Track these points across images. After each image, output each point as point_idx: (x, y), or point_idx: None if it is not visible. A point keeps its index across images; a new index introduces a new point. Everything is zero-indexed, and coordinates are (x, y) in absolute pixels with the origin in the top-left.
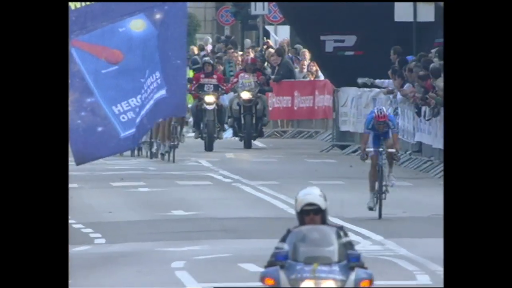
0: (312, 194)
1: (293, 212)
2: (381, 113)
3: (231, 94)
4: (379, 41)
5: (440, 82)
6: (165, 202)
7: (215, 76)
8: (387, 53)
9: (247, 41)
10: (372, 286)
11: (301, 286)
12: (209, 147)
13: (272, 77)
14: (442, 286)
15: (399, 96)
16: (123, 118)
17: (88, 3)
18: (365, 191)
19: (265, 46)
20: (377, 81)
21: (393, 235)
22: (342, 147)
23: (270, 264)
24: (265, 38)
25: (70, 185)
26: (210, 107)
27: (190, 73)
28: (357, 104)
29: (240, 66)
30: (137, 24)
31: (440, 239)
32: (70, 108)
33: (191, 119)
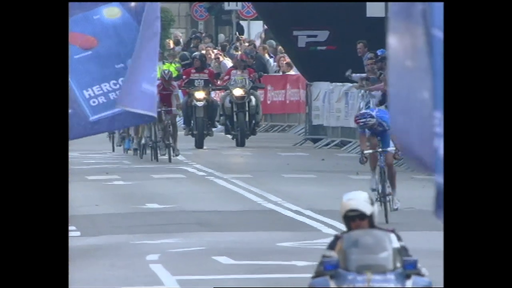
0: (356, 199)
1: (266, 205)
2: (359, 119)
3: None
4: (351, 36)
5: None
6: (140, 195)
7: (206, 71)
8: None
9: (221, 36)
10: None
11: None
12: (199, 144)
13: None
14: (442, 286)
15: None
16: (94, 102)
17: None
18: (337, 184)
19: (241, 40)
20: (354, 75)
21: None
22: (315, 141)
23: (318, 274)
24: (237, 33)
25: None
26: (200, 104)
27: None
28: (330, 99)
29: (213, 60)
30: (113, 12)
31: (413, 232)
32: None
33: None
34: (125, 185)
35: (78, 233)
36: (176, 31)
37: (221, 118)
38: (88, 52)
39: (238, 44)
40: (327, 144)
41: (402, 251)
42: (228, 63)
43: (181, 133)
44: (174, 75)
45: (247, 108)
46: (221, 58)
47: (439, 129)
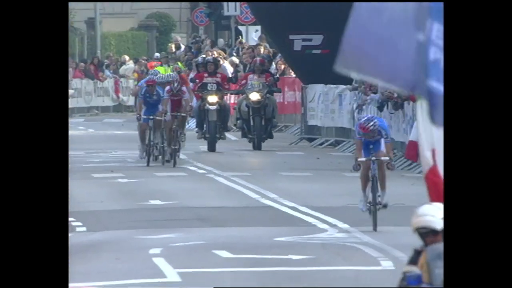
0: (426, 215)
1: (264, 201)
2: (366, 124)
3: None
4: None
5: None
6: (143, 192)
7: (218, 75)
8: None
9: (220, 41)
10: None
11: None
12: (211, 148)
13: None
14: (442, 286)
15: (376, 96)
16: None
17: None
18: (331, 182)
19: (243, 44)
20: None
21: (359, 223)
22: (310, 140)
23: None
24: (240, 36)
25: None
26: (213, 107)
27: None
28: (324, 100)
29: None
30: None
31: (403, 227)
32: None
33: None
34: (129, 182)
35: (84, 229)
36: (177, 35)
37: (238, 122)
38: None
39: (240, 47)
40: (321, 144)
41: None
42: (228, 66)
43: (190, 133)
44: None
45: (263, 112)
46: (221, 61)
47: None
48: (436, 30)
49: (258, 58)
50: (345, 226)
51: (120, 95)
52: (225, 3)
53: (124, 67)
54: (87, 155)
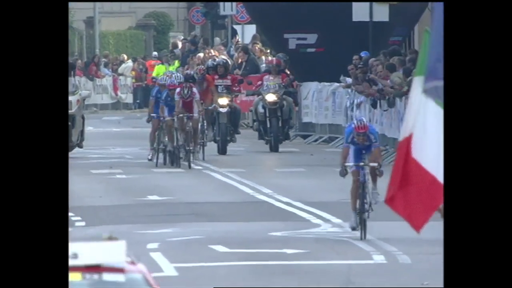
0: None
1: (259, 196)
2: (361, 123)
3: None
4: (338, 39)
5: (394, 77)
6: (141, 188)
7: (229, 77)
8: (346, 49)
9: (217, 39)
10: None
11: None
12: (222, 151)
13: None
14: (442, 286)
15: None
16: None
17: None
18: (325, 177)
19: (238, 42)
20: (347, 79)
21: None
22: (304, 137)
23: None
24: (237, 36)
25: None
26: (223, 110)
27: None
28: (318, 98)
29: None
30: None
31: (394, 222)
32: None
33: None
34: (127, 178)
35: (83, 223)
36: (177, 34)
37: (254, 123)
38: None
39: (235, 43)
40: (316, 140)
41: None
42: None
43: None
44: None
45: (279, 114)
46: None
47: None
48: None
49: (274, 59)
50: (338, 221)
51: (119, 93)
52: (221, 3)
53: (122, 65)
54: (86, 152)
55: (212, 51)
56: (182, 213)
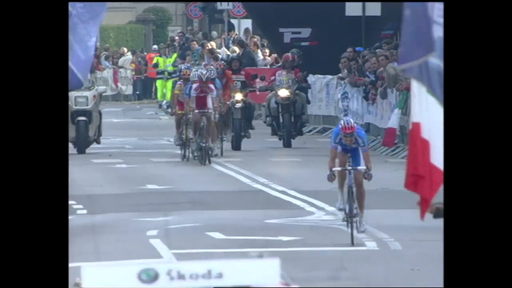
0: None
1: (255, 185)
2: (347, 124)
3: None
4: (332, 33)
5: (389, 68)
6: (141, 177)
7: (242, 73)
8: (339, 43)
9: (214, 33)
10: None
11: None
12: (236, 146)
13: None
14: (442, 286)
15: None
16: None
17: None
18: (319, 167)
19: (236, 35)
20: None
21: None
22: None
23: None
24: (236, 30)
25: None
26: (237, 105)
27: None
28: (312, 89)
29: (206, 54)
30: None
31: (387, 210)
32: None
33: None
34: (127, 168)
35: (84, 211)
36: (175, 28)
37: (267, 119)
38: None
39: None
40: (310, 131)
41: None
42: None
43: None
44: (162, 67)
45: (292, 109)
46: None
47: (439, 18)
48: (437, 9)
49: (288, 54)
50: (331, 209)
51: (119, 85)
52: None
53: (122, 58)
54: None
55: (209, 44)
56: (180, 202)
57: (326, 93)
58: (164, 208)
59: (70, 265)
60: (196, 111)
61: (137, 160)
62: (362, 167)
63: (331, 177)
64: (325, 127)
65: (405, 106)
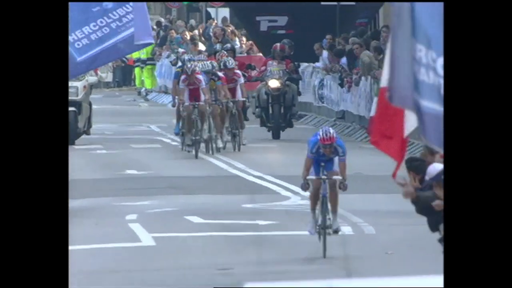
0: None
1: (232, 171)
2: (326, 135)
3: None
4: (308, 21)
5: (364, 56)
6: (120, 163)
7: (236, 62)
8: (314, 31)
9: (192, 21)
10: None
11: None
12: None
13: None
14: (442, 286)
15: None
16: (78, 45)
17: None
18: (294, 152)
19: (214, 23)
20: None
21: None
22: None
23: None
24: (214, 19)
25: None
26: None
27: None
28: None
29: (187, 42)
30: None
31: (360, 195)
32: None
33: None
34: (107, 153)
35: None
36: (154, 17)
37: (257, 110)
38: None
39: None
40: None
41: None
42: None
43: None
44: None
45: (282, 100)
46: (188, 36)
47: (423, 58)
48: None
49: (278, 44)
50: (307, 193)
51: (99, 73)
52: None
53: None
54: None
55: (187, 33)
56: (159, 186)
57: (302, 80)
58: (143, 193)
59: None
60: (187, 103)
61: (117, 146)
62: (337, 177)
63: (305, 186)
64: (301, 114)
65: None
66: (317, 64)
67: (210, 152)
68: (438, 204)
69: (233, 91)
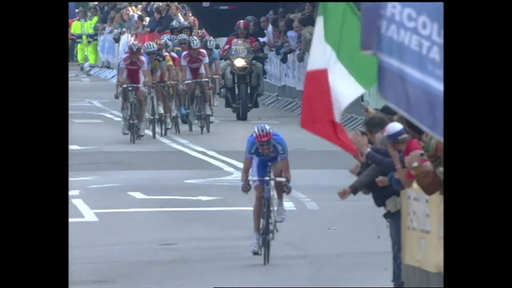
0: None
1: (175, 146)
2: (262, 131)
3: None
4: None
5: (306, 32)
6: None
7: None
8: (257, 7)
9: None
10: None
11: None
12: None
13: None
14: (442, 286)
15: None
16: None
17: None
18: (235, 127)
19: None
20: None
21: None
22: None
23: None
24: None
25: None
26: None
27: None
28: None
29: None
30: None
31: (304, 170)
32: None
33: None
34: None
35: None
36: None
37: (222, 90)
38: None
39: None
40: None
41: None
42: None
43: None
44: (80, 32)
45: (248, 80)
46: (131, 12)
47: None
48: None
49: (241, 21)
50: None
51: None
52: None
53: None
54: None
55: (130, 8)
56: (102, 162)
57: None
58: (85, 168)
59: None
60: (125, 85)
61: None
62: (281, 178)
63: (246, 187)
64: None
65: None
66: (262, 39)
67: (159, 133)
68: (381, 180)
69: (197, 72)
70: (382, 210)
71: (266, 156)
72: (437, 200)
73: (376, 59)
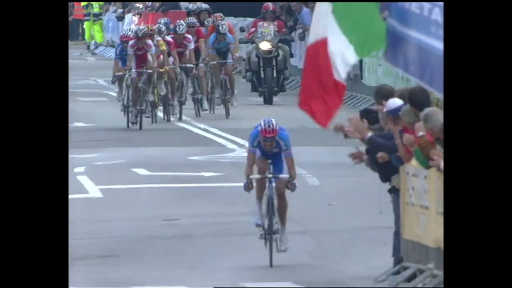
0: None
1: (178, 124)
2: (269, 126)
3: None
4: None
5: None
6: (69, 115)
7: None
8: None
9: None
10: None
11: None
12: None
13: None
14: (442, 286)
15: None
16: None
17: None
18: (239, 106)
19: None
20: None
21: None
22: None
23: None
24: None
25: None
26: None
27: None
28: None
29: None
30: None
31: (304, 147)
32: None
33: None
34: None
35: None
36: None
37: (248, 74)
38: None
39: None
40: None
41: None
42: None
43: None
44: (98, 10)
45: (274, 63)
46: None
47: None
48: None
49: (270, 4)
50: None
51: None
52: None
53: None
54: None
55: None
56: (107, 139)
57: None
58: (90, 145)
59: None
60: (134, 70)
61: None
62: (284, 175)
63: (248, 186)
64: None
65: None
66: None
67: (167, 117)
68: (381, 156)
69: (181, 56)
70: (386, 186)
71: (269, 151)
72: (435, 176)
73: (383, 24)
